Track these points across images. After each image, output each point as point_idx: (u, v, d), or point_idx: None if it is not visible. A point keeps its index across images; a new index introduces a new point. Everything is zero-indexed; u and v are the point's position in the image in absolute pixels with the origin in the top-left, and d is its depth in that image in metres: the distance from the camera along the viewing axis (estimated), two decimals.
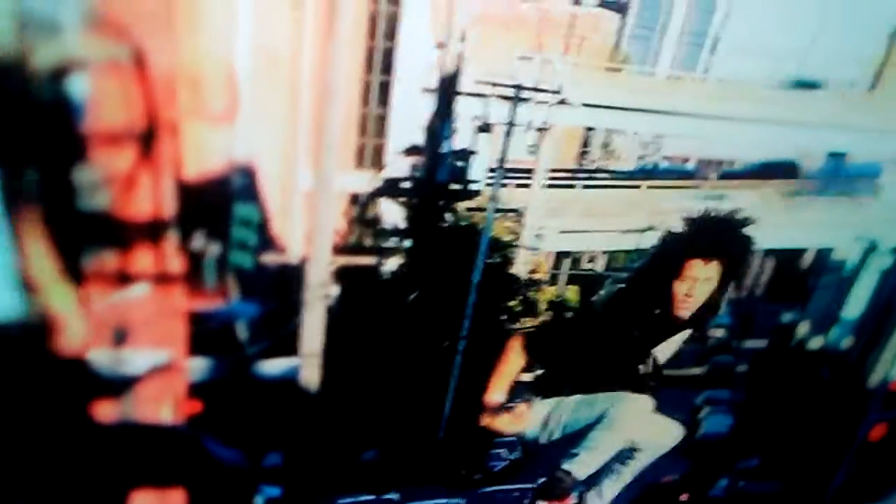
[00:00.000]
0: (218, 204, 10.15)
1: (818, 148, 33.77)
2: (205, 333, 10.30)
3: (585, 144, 36.99)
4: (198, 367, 10.46)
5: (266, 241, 11.54)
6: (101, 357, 8.34)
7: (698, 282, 3.33)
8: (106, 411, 8.71)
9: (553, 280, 34.31)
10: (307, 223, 10.52)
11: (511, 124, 20.08)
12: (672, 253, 3.37)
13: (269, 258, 11.69)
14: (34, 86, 6.35)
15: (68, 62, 6.46)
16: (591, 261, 42.22)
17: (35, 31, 6.25)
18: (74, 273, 7.20)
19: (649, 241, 28.83)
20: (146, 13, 7.01)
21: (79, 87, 6.90)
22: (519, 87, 21.18)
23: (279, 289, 11.85)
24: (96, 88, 7.12)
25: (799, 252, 37.66)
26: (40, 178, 6.70)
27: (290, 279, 11.40)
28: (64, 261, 6.97)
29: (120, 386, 8.65)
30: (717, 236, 3.31)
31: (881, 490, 16.70)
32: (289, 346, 11.66)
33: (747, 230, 3.34)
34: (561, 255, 34.66)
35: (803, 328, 30.45)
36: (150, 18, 7.09)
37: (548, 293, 33.02)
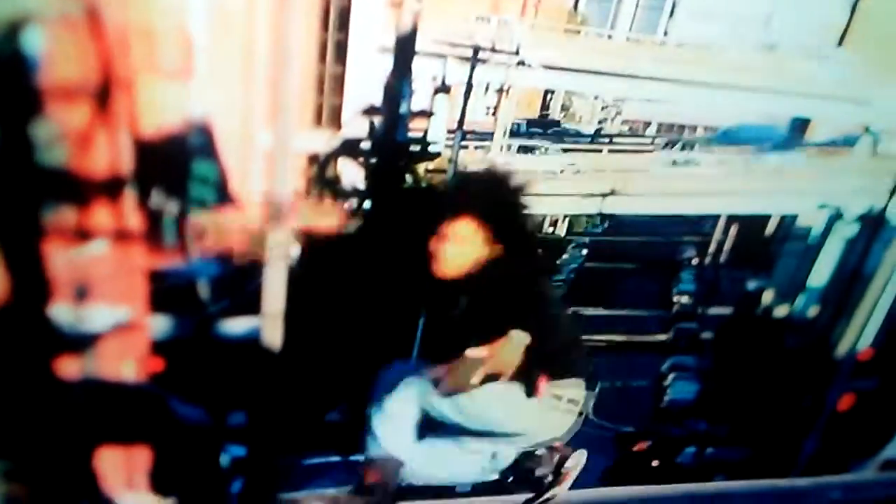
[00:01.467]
0: (175, 161, 10.21)
1: (783, 113, 33.95)
2: (166, 291, 10.39)
3: (545, 107, 37.17)
4: (159, 325, 10.56)
5: (225, 200, 11.61)
6: (62, 313, 8.43)
7: (454, 241, 2.97)
8: (68, 368, 8.82)
9: None
10: (266, 183, 10.61)
11: (469, 85, 20.19)
12: (429, 208, 3.07)
13: (226, 215, 11.77)
14: None
15: (22, 17, 6.51)
16: (552, 225, 42.52)
17: None
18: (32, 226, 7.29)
19: (611, 205, 29.19)
20: None
21: (33, 41, 6.95)
22: (476, 48, 21.27)
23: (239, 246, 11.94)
24: (50, 43, 7.17)
25: (763, 218, 37.93)
26: None
27: (250, 237, 11.48)
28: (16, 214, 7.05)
29: (82, 342, 8.74)
30: (472, 193, 3.02)
31: (851, 460, 17.02)
32: (251, 305, 11.76)
33: (513, 191, 3.04)
34: None
35: (769, 296, 30.84)
36: None
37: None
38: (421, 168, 20.56)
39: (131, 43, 7.78)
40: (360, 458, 3.25)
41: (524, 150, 33.80)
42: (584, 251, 42.55)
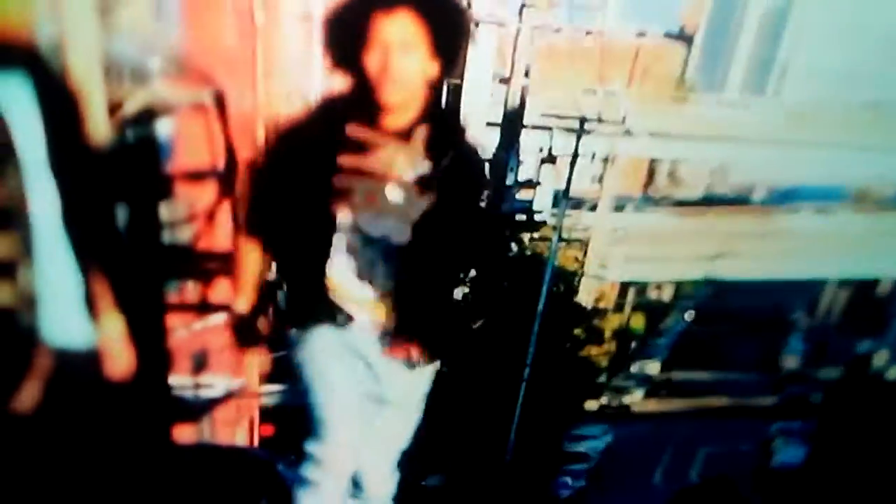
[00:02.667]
0: None
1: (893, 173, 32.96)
2: (278, 359, 10.63)
3: (651, 174, 36.80)
4: (271, 392, 10.82)
5: None
6: (181, 382, 8.75)
7: (392, 50, 2.27)
8: (184, 434, 9.10)
9: (618, 308, 34.19)
10: None
11: (575, 155, 20.21)
12: (349, 12, 2.33)
13: None
14: (123, 128, 6.77)
15: (155, 107, 6.86)
16: (658, 288, 41.82)
17: (125, 78, 6.68)
18: (157, 303, 7.59)
19: (718, 269, 28.72)
20: (227, 60, 7.40)
21: (165, 127, 7.34)
22: (583, 120, 21.35)
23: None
24: (180, 130, 7.56)
25: (874, 280, 36.76)
26: (129, 214, 7.13)
27: None
28: (144, 291, 7.34)
29: (199, 410, 9.03)
30: None
31: None
32: None
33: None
34: (627, 284, 34.45)
35: (881, 358, 29.72)
36: (231, 64, 7.48)
37: (613, 321, 32.89)
38: (526, 237, 20.71)
39: (255, 128, 8.11)
40: None
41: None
42: (690, 315, 41.79)
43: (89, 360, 2.26)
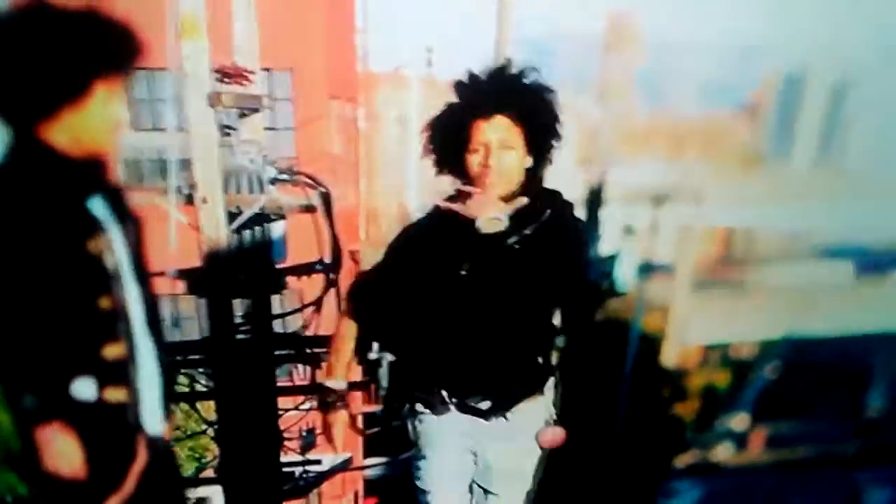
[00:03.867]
0: None
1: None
2: (379, 434, 10.80)
3: (728, 242, 36.35)
4: (373, 465, 10.97)
5: None
6: (291, 460, 8.98)
7: (492, 148, 2.48)
8: None
9: (702, 367, 33.60)
10: None
11: (654, 226, 20.23)
12: (452, 119, 2.55)
13: None
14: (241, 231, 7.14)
15: (270, 210, 7.22)
16: (740, 347, 40.92)
17: (244, 187, 7.07)
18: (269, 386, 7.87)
19: (800, 327, 28.11)
20: (334, 163, 7.73)
21: (279, 228, 7.71)
22: (659, 194, 21.39)
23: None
24: (292, 229, 7.92)
25: None
26: (246, 307, 7.47)
27: None
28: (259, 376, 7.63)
29: (308, 486, 9.23)
30: (496, 88, 2.53)
31: None
32: None
33: (534, 81, 2.56)
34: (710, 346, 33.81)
35: None
36: (337, 166, 7.81)
37: (698, 379, 32.32)
38: (611, 305, 20.72)
39: (357, 221, 8.41)
40: None
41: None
42: (773, 370, 40.66)
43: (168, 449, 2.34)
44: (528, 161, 2.58)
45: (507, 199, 2.54)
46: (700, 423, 32.93)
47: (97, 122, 2.02)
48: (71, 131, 1.99)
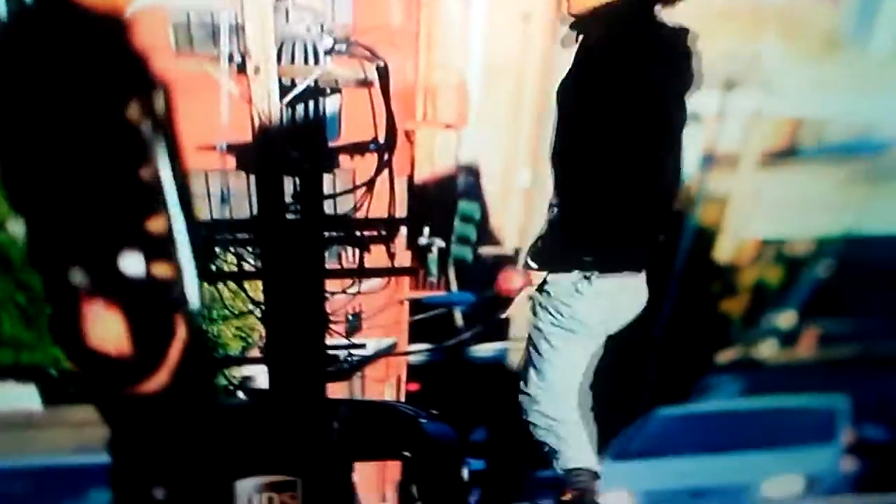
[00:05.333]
0: (444, 203, 10.60)
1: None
2: (425, 321, 10.83)
3: (796, 133, 35.21)
4: (418, 350, 11.04)
5: (485, 236, 11.94)
6: (336, 343, 8.99)
7: None
8: (339, 390, 9.39)
9: (756, 262, 33.21)
10: (523, 218, 10.81)
11: (721, 114, 19.58)
12: None
13: (486, 251, 12.11)
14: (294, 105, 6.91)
15: (325, 83, 6.96)
16: (796, 243, 40.20)
17: (298, 57, 6.79)
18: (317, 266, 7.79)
19: (859, 223, 27.49)
20: (393, 35, 7.41)
21: (333, 103, 7.47)
22: (729, 79, 20.61)
23: (495, 278, 12.24)
24: (347, 104, 7.67)
25: None
26: (297, 186, 7.31)
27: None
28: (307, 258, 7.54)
29: (353, 368, 9.28)
30: None
31: None
32: (500, 331, 12.01)
33: None
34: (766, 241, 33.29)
35: None
36: (396, 39, 7.49)
37: (750, 275, 31.98)
38: None
39: (416, 100, 8.15)
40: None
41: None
42: (827, 267, 40.18)
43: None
44: None
45: None
46: (747, 320, 32.78)
47: None
48: None
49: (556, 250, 2.67)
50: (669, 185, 2.65)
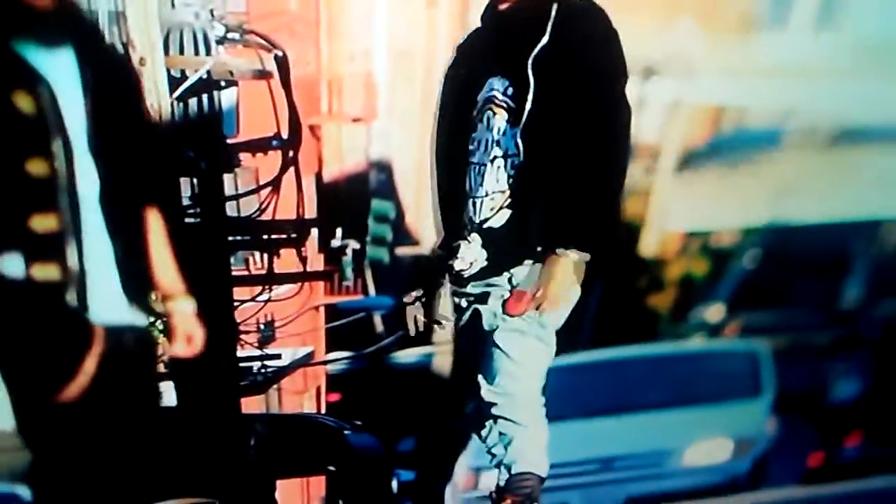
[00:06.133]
0: (356, 202, 10.32)
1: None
2: (343, 327, 10.53)
3: (717, 122, 35.80)
4: (336, 359, 10.73)
5: (401, 236, 11.70)
6: (248, 354, 8.63)
7: None
8: (253, 404, 9.02)
9: (681, 255, 33.59)
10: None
11: (640, 102, 19.57)
12: None
13: (403, 252, 11.87)
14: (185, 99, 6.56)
15: (219, 75, 6.64)
16: (721, 235, 40.90)
17: (188, 47, 6.45)
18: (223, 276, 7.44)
19: (783, 212, 27.98)
20: (290, 22, 7.12)
21: (229, 98, 7.12)
22: (647, 66, 20.67)
23: (413, 280, 12.01)
24: (244, 98, 7.34)
25: None
26: (195, 187, 6.94)
27: (424, 270, 11.50)
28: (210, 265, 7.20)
29: (267, 381, 8.93)
30: None
31: None
32: (424, 335, 11.72)
33: None
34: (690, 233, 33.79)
35: None
36: (294, 27, 7.20)
37: (676, 269, 32.26)
38: None
39: (320, 92, 7.88)
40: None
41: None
42: (753, 258, 41.05)
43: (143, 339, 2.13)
44: None
45: None
46: (675, 314, 33.13)
47: None
48: None
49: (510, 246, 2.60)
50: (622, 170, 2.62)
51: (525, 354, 2.61)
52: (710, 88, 24.88)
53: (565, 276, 2.49)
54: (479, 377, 2.68)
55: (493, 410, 2.66)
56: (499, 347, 2.62)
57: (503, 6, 2.54)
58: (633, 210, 24.34)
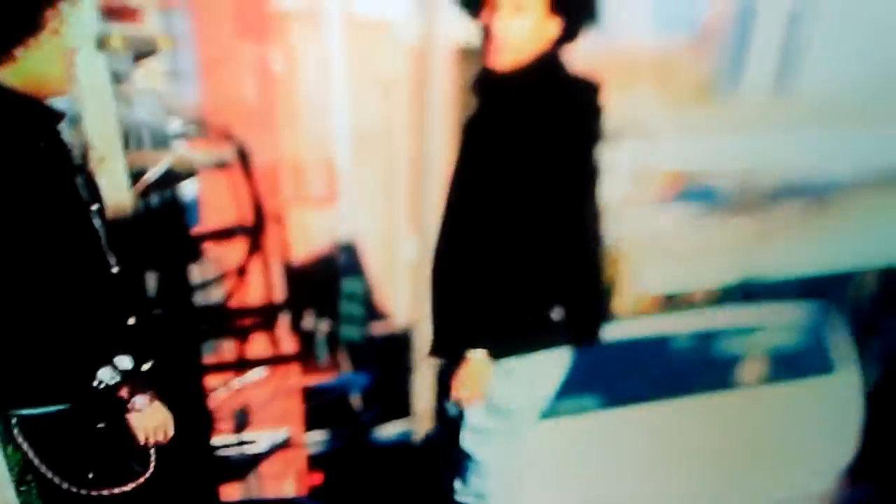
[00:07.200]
0: (325, 282, 10.44)
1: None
2: (320, 408, 10.56)
3: (680, 180, 36.24)
4: (316, 440, 10.72)
5: (372, 313, 11.80)
6: (225, 441, 8.65)
7: (503, 10, 2.20)
8: (232, 492, 9.00)
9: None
10: (411, 291, 10.73)
11: (606, 167, 19.79)
12: None
13: (376, 329, 11.97)
14: (147, 194, 6.71)
15: (178, 169, 6.79)
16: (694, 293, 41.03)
17: (146, 143, 6.62)
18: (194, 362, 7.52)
19: (753, 269, 28.22)
20: (246, 115, 7.32)
21: (189, 190, 7.28)
22: (610, 132, 20.99)
23: (388, 356, 12.09)
24: (205, 190, 7.50)
25: None
26: (159, 278, 7.06)
27: (398, 346, 11.61)
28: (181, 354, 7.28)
29: (244, 467, 8.93)
30: None
31: None
32: (401, 408, 11.82)
33: None
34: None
35: None
36: (251, 117, 7.41)
37: None
38: None
39: (280, 179, 8.06)
40: None
41: None
42: None
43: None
44: (551, 28, 2.25)
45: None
46: None
47: (53, 54, 1.97)
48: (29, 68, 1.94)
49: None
50: (590, 247, 2.48)
51: (492, 455, 2.52)
52: (669, 151, 25.30)
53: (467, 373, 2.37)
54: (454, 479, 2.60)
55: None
56: (464, 447, 2.53)
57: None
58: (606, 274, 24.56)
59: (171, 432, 2.24)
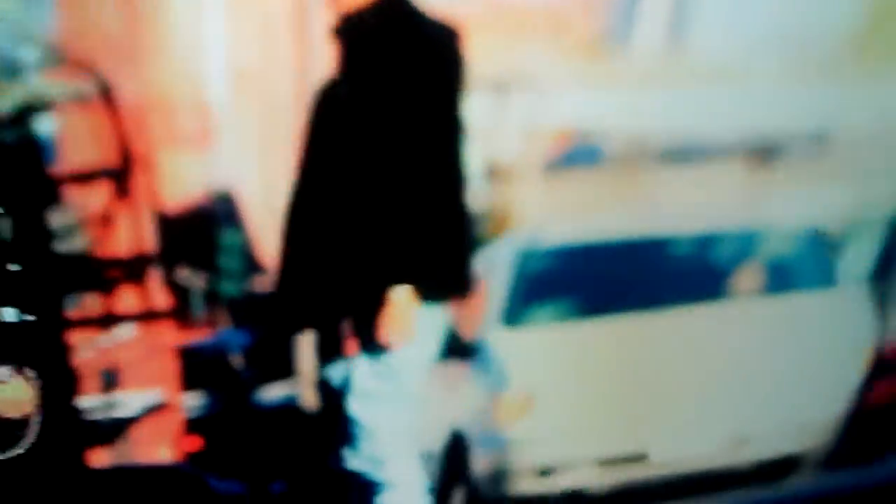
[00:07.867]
0: (200, 233, 10.04)
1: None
2: (197, 368, 10.20)
3: (572, 136, 36.65)
4: (193, 402, 10.37)
5: (252, 267, 11.45)
6: (91, 403, 8.23)
7: None
8: (101, 458, 8.60)
9: None
10: None
11: (494, 123, 19.80)
12: None
13: (256, 283, 11.62)
14: None
15: (32, 103, 6.36)
16: None
17: None
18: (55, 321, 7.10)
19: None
20: (110, 45, 6.89)
21: (45, 127, 6.82)
22: (499, 83, 20.98)
23: (269, 312, 11.78)
24: (64, 127, 7.02)
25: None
26: (12, 224, 6.57)
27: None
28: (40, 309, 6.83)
29: (114, 430, 8.56)
30: None
31: None
32: (286, 368, 11.55)
33: None
34: None
35: None
36: (115, 49, 6.97)
37: None
38: None
39: (147, 117, 7.64)
40: None
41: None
42: None
43: None
44: None
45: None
46: None
47: None
48: None
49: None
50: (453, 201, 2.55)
51: (383, 419, 2.62)
52: (562, 105, 25.61)
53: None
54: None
55: (362, 468, 2.68)
56: (351, 413, 2.64)
57: None
58: (493, 233, 24.72)
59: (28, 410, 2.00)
